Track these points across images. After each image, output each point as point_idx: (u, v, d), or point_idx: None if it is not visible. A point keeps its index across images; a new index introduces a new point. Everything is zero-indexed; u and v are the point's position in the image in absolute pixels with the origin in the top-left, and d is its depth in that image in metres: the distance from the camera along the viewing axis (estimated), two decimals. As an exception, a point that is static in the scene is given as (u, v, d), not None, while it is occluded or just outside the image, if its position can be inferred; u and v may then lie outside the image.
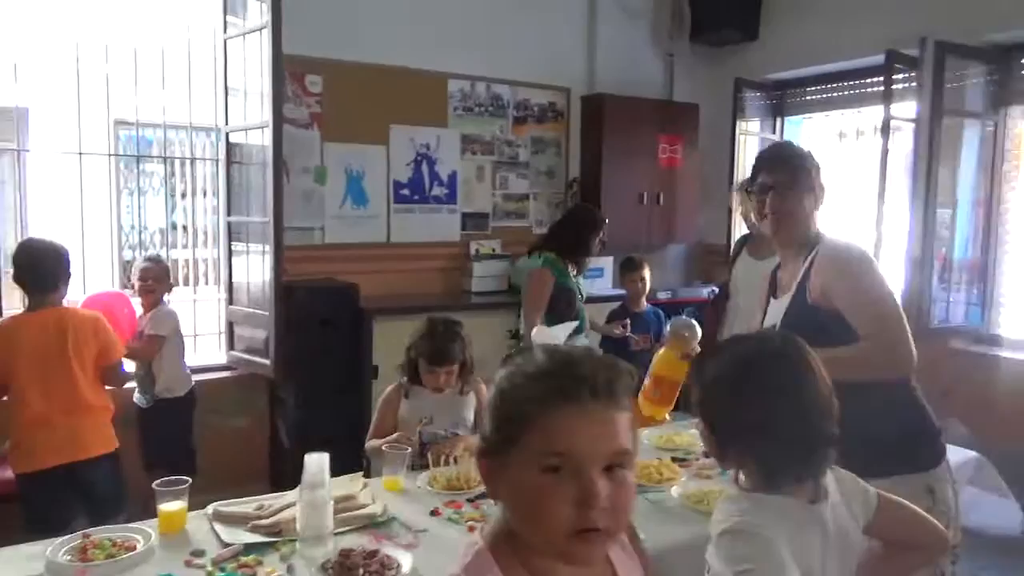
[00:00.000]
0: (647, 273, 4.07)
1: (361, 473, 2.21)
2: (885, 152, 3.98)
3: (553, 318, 3.56)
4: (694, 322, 2.15)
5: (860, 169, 4.74)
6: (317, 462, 1.73)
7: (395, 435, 2.34)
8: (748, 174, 4.98)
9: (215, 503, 1.96)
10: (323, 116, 4.13)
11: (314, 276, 4.05)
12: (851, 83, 4.75)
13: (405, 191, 4.44)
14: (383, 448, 2.24)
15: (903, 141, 4.14)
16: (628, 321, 3.90)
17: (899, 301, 1.87)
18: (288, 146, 3.82)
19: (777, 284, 2.08)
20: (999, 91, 4.01)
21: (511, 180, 4.83)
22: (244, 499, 2.03)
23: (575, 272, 3.64)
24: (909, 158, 4.10)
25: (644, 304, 4.11)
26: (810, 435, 1.22)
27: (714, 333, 3.54)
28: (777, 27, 4.85)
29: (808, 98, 5.07)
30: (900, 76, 4.06)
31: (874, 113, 4.43)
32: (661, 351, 2.15)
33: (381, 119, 4.31)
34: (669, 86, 5.24)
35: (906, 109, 4.11)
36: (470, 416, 2.56)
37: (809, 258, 1.91)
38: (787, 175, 1.98)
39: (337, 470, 2.18)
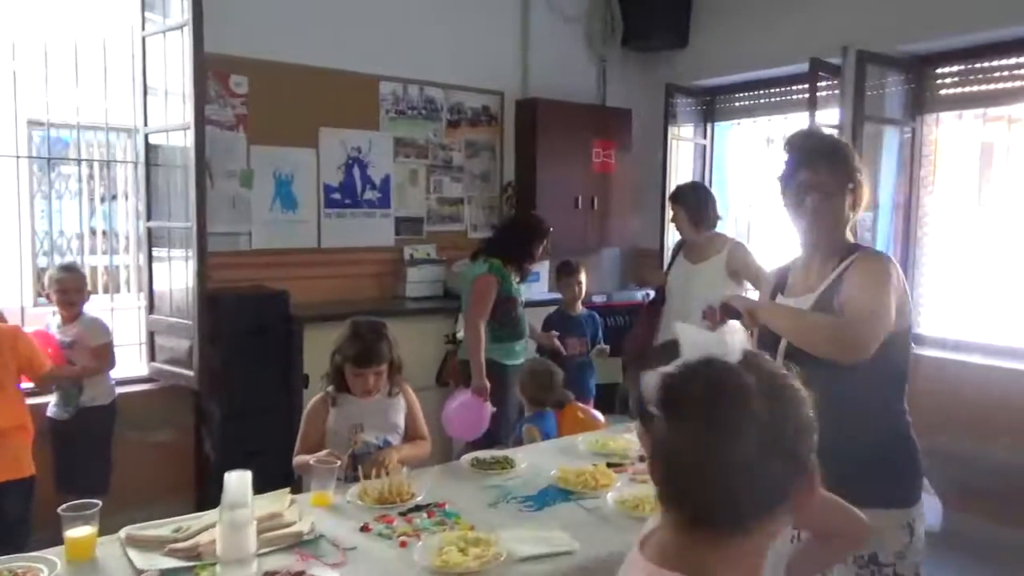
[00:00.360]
0: (583, 277, 4.08)
1: (288, 489, 2.12)
2: (810, 157, 4.07)
3: (492, 324, 3.54)
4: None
5: (787, 174, 4.86)
6: (238, 480, 1.65)
7: (324, 452, 2.26)
8: (678, 179, 5.04)
9: (128, 527, 1.85)
10: (249, 118, 3.99)
11: (241, 283, 3.91)
12: (778, 90, 4.86)
13: (336, 195, 4.34)
14: (311, 462, 2.16)
15: (827, 146, 4.26)
16: (558, 335, 3.88)
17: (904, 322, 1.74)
18: (212, 148, 3.69)
19: (786, 283, 1.93)
20: (916, 99, 4.17)
21: (445, 184, 4.77)
22: (160, 521, 1.93)
23: (517, 279, 3.62)
24: (833, 163, 4.21)
25: (580, 308, 4.12)
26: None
27: (650, 337, 3.58)
28: (706, 34, 4.93)
29: (737, 104, 5.17)
30: (823, 84, 4.18)
31: (800, 119, 4.54)
32: None
33: (310, 121, 4.20)
34: (602, 91, 5.28)
35: (830, 116, 4.23)
36: (401, 421, 2.50)
37: (844, 265, 1.77)
38: (833, 174, 1.79)
39: (269, 484, 2.10)
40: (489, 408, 3.39)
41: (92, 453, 3.23)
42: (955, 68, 4.04)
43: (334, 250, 4.33)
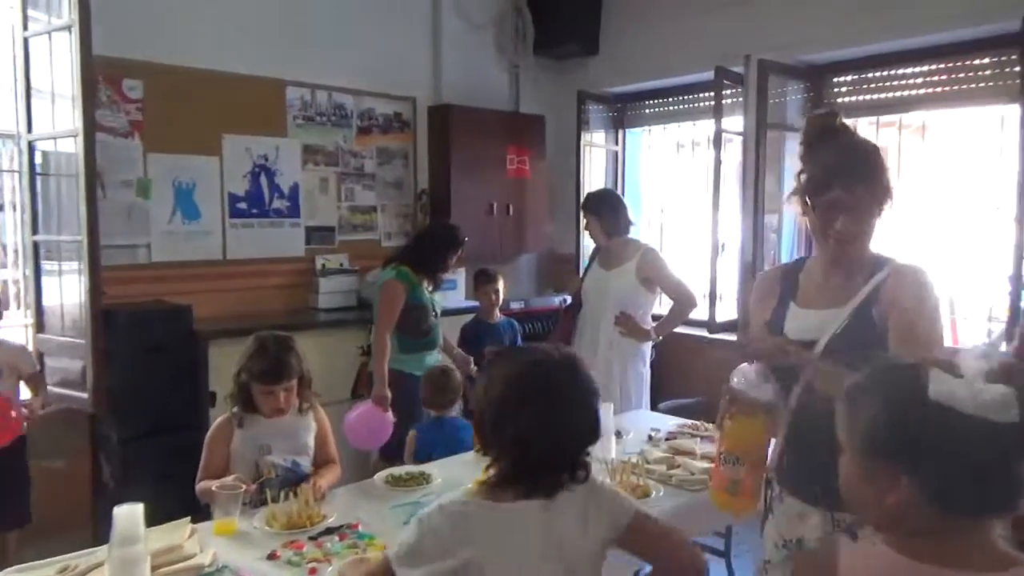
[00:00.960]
0: (501, 285, 4.06)
1: (189, 518, 2.00)
2: (717, 163, 4.19)
3: (403, 334, 3.47)
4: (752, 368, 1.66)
5: (697, 178, 4.98)
6: (128, 515, 1.53)
7: (231, 477, 2.14)
8: (592, 185, 5.09)
9: (8, 569, 1.70)
10: (145, 124, 3.79)
11: (140, 298, 3.71)
12: (686, 97, 4.98)
13: (242, 204, 4.17)
14: (213, 488, 2.04)
15: (735, 152, 4.39)
16: (472, 365, 3.76)
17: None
18: (104, 156, 3.49)
19: (796, 290, 1.76)
20: (814, 106, 4.33)
21: (357, 192, 4.66)
22: (47, 560, 1.78)
23: (430, 288, 3.56)
24: (740, 168, 4.35)
25: (498, 316, 4.09)
26: (557, 458, 1.37)
27: (567, 342, 3.58)
28: (616, 43, 5.00)
29: (647, 111, 5.27)
30: (728, 91, 4.30)
31: (708, 126, 4.66)
32: (728, 423, 1.68)
33: (212, 128, 4.02)
34: (515, 98, 5.28)
35: (735, 123, 4.35)
36: (311, 441, 2.40)
37: (876, 279, 1.63)
38: (868, 192, 1.61)
39: (176, 511, 1.99)
40: (390, 418, 3.32)
41: (13, 485, 3.05)
42: (850, 77, 4.23)
43: (241, 261, 4.15)
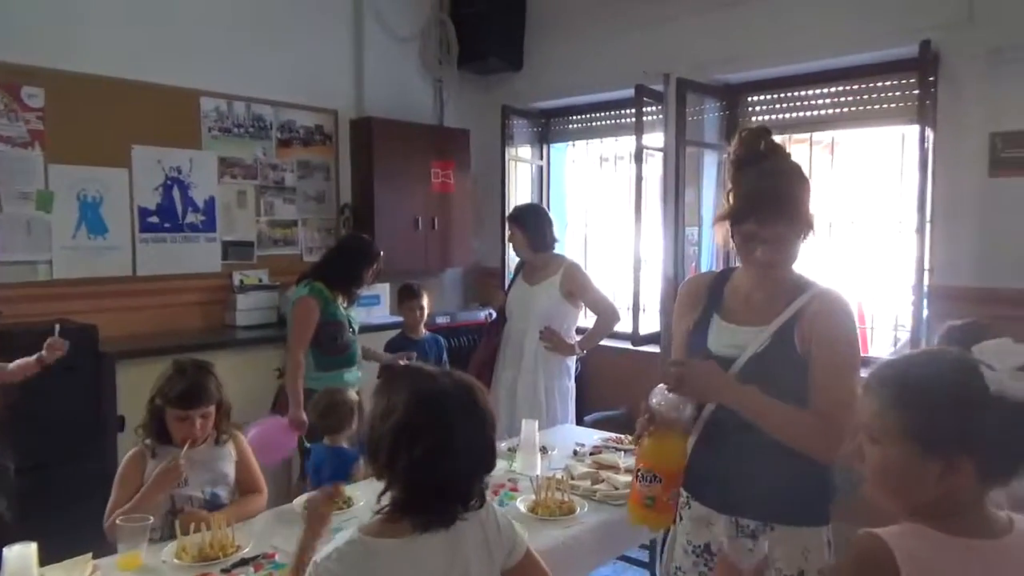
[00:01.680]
0: (425, 301, 4.00)
1: (91, 554, 1.87)
2: (639, 178, 4.26)
3: (318, 351, 3.38)
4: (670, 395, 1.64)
5: (621, 193, 5.06)
6: (18, 557, 1.42)
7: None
8: (517, 199, 5.10)
9: None
10: (46, 134, 3.59)
11: (39, 317, 3.49)
12: (608, 113, 5.06)
13: (153, 219, 3.99)
14: (117, 521, 1.92)
15: (656, 167, 4.48)
16: (415, 354, 3.74)
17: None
18: (0, 168, 3.29)
19: (721, 302, 1.77)
20: (730, 124, 4.47)
21: (277, 206, 4.54)
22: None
23: (345, 303, 3.48)
24: (661, 183, 4.44)
25: (423, 331, 4.04)
26: (454, 487, 1.34)
27: (492, 357, 3.56)
28: (540, 58, 5.05)
29: (571, 126, 5.33)
30: (649, 108, 4.39)
31: (630, 141, 4.74)
32: (646, 441, 1.68)
33: (121, 138, 3.84)
34: (439, 112, 5.25)
35: (655, 139, 4.44)
36: (231, 471, 2.29)
37: (798, 303, 1.65)
38: (783, 226, 1.62)
39: (79, 544, 1.87)
40: (290, 434, 3.22)
41: None
42: (763, 97, 4.37)
43: (152, 278, 3.98)
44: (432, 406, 1.34)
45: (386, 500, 1.35)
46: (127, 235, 3.90)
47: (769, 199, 1.62)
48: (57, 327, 2.62)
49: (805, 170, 1.74)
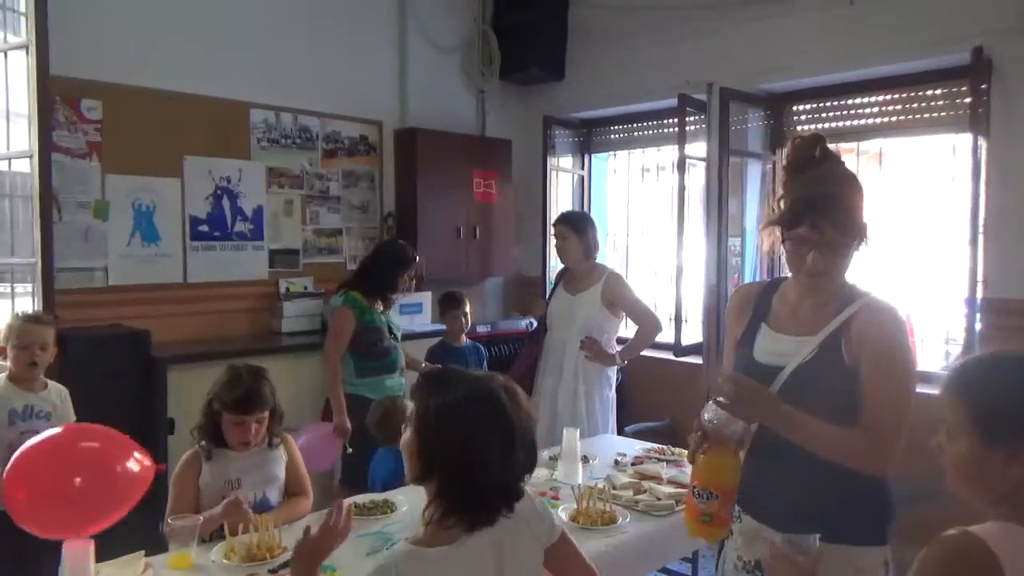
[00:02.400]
0: (467, 309, 4.04)
1: (143, 552, 1.93)
2: (682, 188, 4.25)
3: (359, 357, 3.43)
4: (717, 408, 1.60)
5: (663, 203, 5.03)
6: (78, 552, 1.47)
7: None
8: (558, 209, 5.10)
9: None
10: (103, 145, 3.72)
11: (96, 322, 3.61)
12: (650, 123, 5.05)
13: (204, 227, 4.10)
14: (168, 521, 1.97)
15: (699, 177, 4.45)
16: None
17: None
18: (61, 178, 3.45)
19: (769, 311, 1.75)
20: (774, 133, 4.42)
21: (322, 215, 4.62)
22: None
23: (382, 309, 3.53)
24: (703, 193, 4.41)
25: (464, 340, 4.07)
26: (506, 486, 1.38)
27: (533, 366, 3.57)
28: (582, 69, 5.06)
29: (613, 136, 5.33)
30: (692, 118, 4.37)
31: (672, 151, 4.72)
32: (700, 459, 1.64)
33: (173, 149, 3.96)
34: (482, 122, 5.30)
35: (698, 149, 4.42)
36: (282, 474, 2.34)
37: (847, 312, 1.62)
38: (837, 233, 1.58)
39: (130, 544, 1.92)
40: (335, 440, 3.29)
41: None
42: (808, 106, 4.32)
43: (202, 285, 4.08)
44: (482, 402, 1.37)
45: (436, 507, 1.37)
46: (178, 243, 4.01)
47: (823, 204, 1.58)
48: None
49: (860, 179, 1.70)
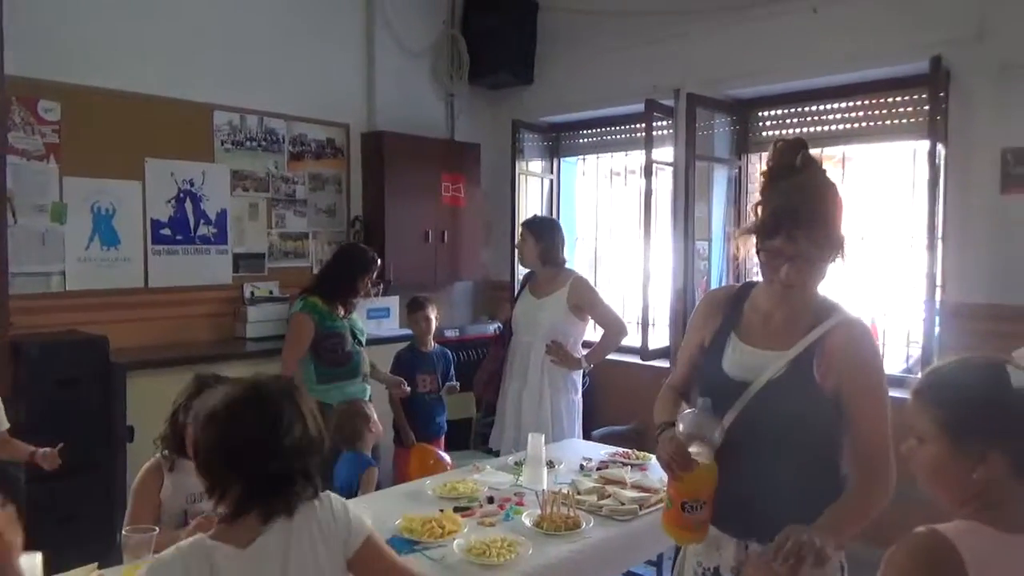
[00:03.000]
0: (433, 313, 4.00)
1: (96, 564, 1.88)
2: (649, 193, 4.27)
3: (319, 363, 3.38)
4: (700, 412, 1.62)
5: (632, 207, 5.06)
6: (24, 566, 1.43)
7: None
8: (527, 212, 5.09)
9: None
10: (62, 147, 3.64)
11: (52, 328, 3.53)
12: (619, 128, 5.07)
13: (166, 230, 4.03)
14: (124, 532, 1.93)
15: (667, 181, 4.48)
16: (405, 385, 3.69)
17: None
18: (16, 180, 3.37)
19: (740, 320, 1.73)
20: (741, 139, 4.47)
21: (289, 218, 4.57)
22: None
23: (343, 313, 3.49)
24: (671, 197, 4.44)
25: (431, 344, 4.04)
26: (281, 475, 1.39)
27: (499, 370, 3.56)
28: (550, 73, 5.07)
29: (582, 141, 5.35)
30: (659, 124, 4.40)
31: (641, 156, 4.75)
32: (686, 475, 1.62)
33: (134, 152, 3.89)
34: (450, 126, 5.28)
35: (667, 153, 4.45)
36: None
37: (820, 330, 1.60)
38: (812, 245, 1.55)
39: (85, 555, 1.87)
40: None
41: None
42: (774, 112, 4.37)
43: (163, 289, 4.01)
44: (248, 394, 1.42)
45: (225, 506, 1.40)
46: (139, 247, 3.94)
47: (800, 215, 1.54)
48: (60, 445, 2.55)
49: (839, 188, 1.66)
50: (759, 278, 1.70)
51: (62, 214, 3.66)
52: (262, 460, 1.37)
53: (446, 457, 3.34)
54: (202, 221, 4.18)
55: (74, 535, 1.93)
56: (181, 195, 4.09)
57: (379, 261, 3.63)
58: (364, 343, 3.58)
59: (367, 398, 3.43)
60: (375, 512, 2.28)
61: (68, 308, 3.66)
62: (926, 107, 3.59)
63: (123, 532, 1.93)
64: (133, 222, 3.91)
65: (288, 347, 3.40)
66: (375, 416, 3.00)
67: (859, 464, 1.58)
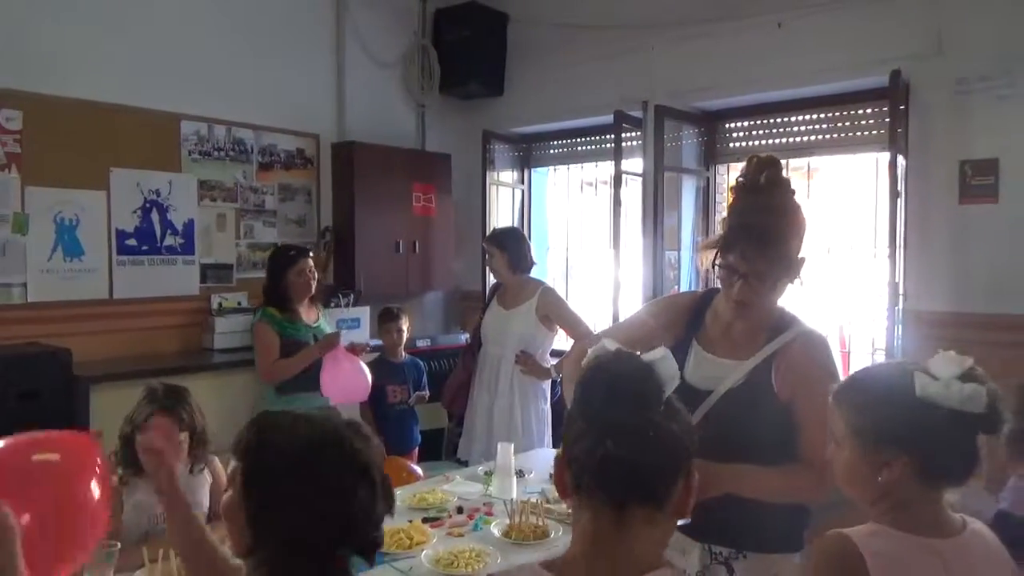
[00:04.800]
0: (405, 324, 4.00)
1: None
2: (617, 203, 4.31)
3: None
4: None
5: (603, 217, 5.09)
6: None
7: None
8: (498, 223, 5.10)
9: None
10: (23, 157, 3.58)
11: (13, 341, 3.46)
12: (589, 139, 5.11)
13: (131, 241, 3.98)
14: (83, 548, 1.89)
15: (636, 192, 4.52)
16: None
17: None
18: (-25, 190, 3.28)
19: (701, 327, 1.75)
20: (709, 150, 4.53)
21: (258, 229, 4.53)
22: None
23: (315, 317, 3.48)
24: (640, 207, 4.48)
25: (402, 354, 4.03)
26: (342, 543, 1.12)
27: (468, 380, 3.56)
28: (520, 85, 5.10)
29: (552, 151, 5.38)
30: (628, 135, 4.44)
31: (611, 167, 4.79)
32: None
33: (99, 161, 3.83)
34: (421, 136, 5.29)
35: (636, 164, 4.49)
36: (206, 500, 2.27)
37: (778, 342, 1.64)
38: (766, 264, 1.57)
39: None
40: (358, 363, 3.28)
41: None
42: (740, 123, 4.44)
43: (128, 301, 3.95)
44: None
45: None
46: (104, 258, 3.88)
47: (754, 237, 1.56)
48: None
49: (804, 208, 1.67)
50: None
51: (24, 225, 3.60)
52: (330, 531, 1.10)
53: (418, 470, 3.32)
54: (169, 231, 4.13)
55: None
56: (147, 205, 4.04)
57: (306, 252, 3.55)
58: None
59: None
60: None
61: (30, 320, 3.59)
62: (887, 119, 3.67)
63: (83, 548, 1.89)
64: (97, 233, 3.85)
65: (260, 356, 3.38)
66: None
67: (805, 462, 1.60)
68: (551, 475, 2.82)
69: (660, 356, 1.10)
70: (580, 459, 1.01)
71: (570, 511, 2.38)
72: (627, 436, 0.98)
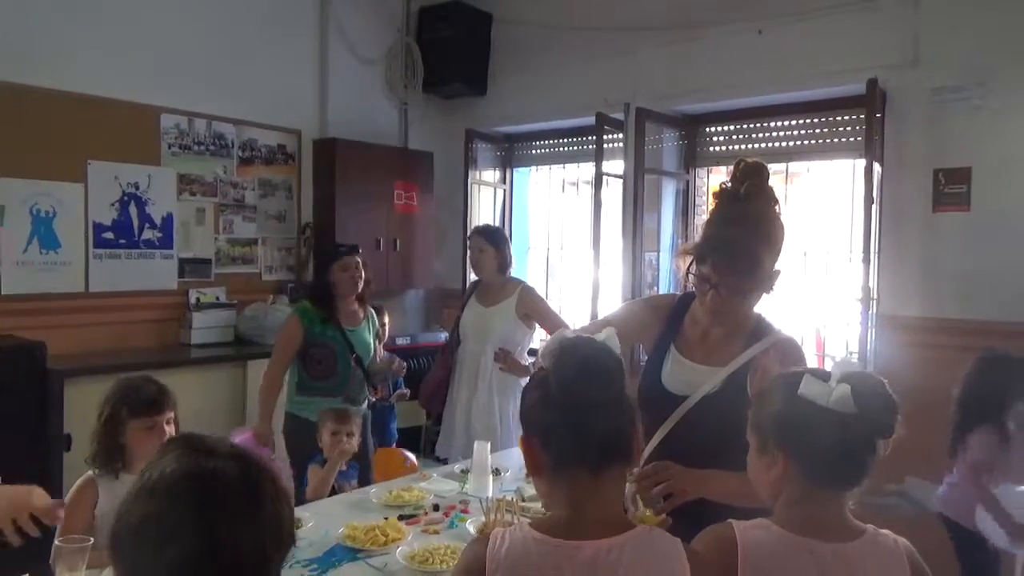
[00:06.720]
0: (386, 320, 3.99)
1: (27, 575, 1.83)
2: (598, 204, 4.33)
3: (304, 372, 3.28)
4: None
5: (584, 217, 5.12)
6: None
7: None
8: (480, 221, 5.11)
9: None
10: (-1, 148, 3.55)
11: (-14, 334, 3.43)
12: (571, 140, 5.13)
13: (108, 234, 3.94)
14: (55, 543, 1.87)
15: (617, 193, 4.55)
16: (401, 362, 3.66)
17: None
18: (-51, 180, 3.24)
19: (679, 333, 1.75)
20: (689, 154, 4.57)
21: (237, 224, 4.51)
22: None
23: (361, 316, 3.40)
24: (620, 209, 4.51)
25: (383, 352, 4.02)
26: None
27: (446, 379, 3.56)
28: (503, 84, 5.11)
29: (534, 151, 5.39)
30: (609, 136, 4.47)
31: (592, 168, 4.81)
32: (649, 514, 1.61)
33: (76, 153, 3.80)
34: (404, 134, 5.28)
35: (617, 166, 4.52)
36: None
37: (755, 350, 1.65)
38: (736, 279, 1.59)
39: (14, 570, 1.81)
40: (256, 446, 3.12)
41: None
42: (721, 128, 4.48)
43: (105, 294, 3.92)
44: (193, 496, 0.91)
45: None
46: (80, 250, 3.84)
47: (728, 248, 1.57)
48: None
49: (783, 219, 1.68)
50: None
51: (-1, 216, 3.57)
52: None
53: (412, 457, 3.32)
54: (147, 225, 4.10)
55: (6, 545, 1.87)
56: (125, 198, 4.01)
57: (355, 249, 3.41)
58: (363, 362, 3.38)
59: None
60: (318, 520, 2.27)
61: (4, 313, 3.56)
62: (864, 127, 3.73)
63: (55, 543, 1.88)
64: (74, 225, 3.82)
65: (274, 350, 3.33)
66: (351, 429, 2.80)
67: None
68: (527, 474, 2.84)
69: (609, 335, 1.20)
70: (562, 438, 1.11)
71: (542, 501, 2.41)
72: (603, 410, 1.10)
